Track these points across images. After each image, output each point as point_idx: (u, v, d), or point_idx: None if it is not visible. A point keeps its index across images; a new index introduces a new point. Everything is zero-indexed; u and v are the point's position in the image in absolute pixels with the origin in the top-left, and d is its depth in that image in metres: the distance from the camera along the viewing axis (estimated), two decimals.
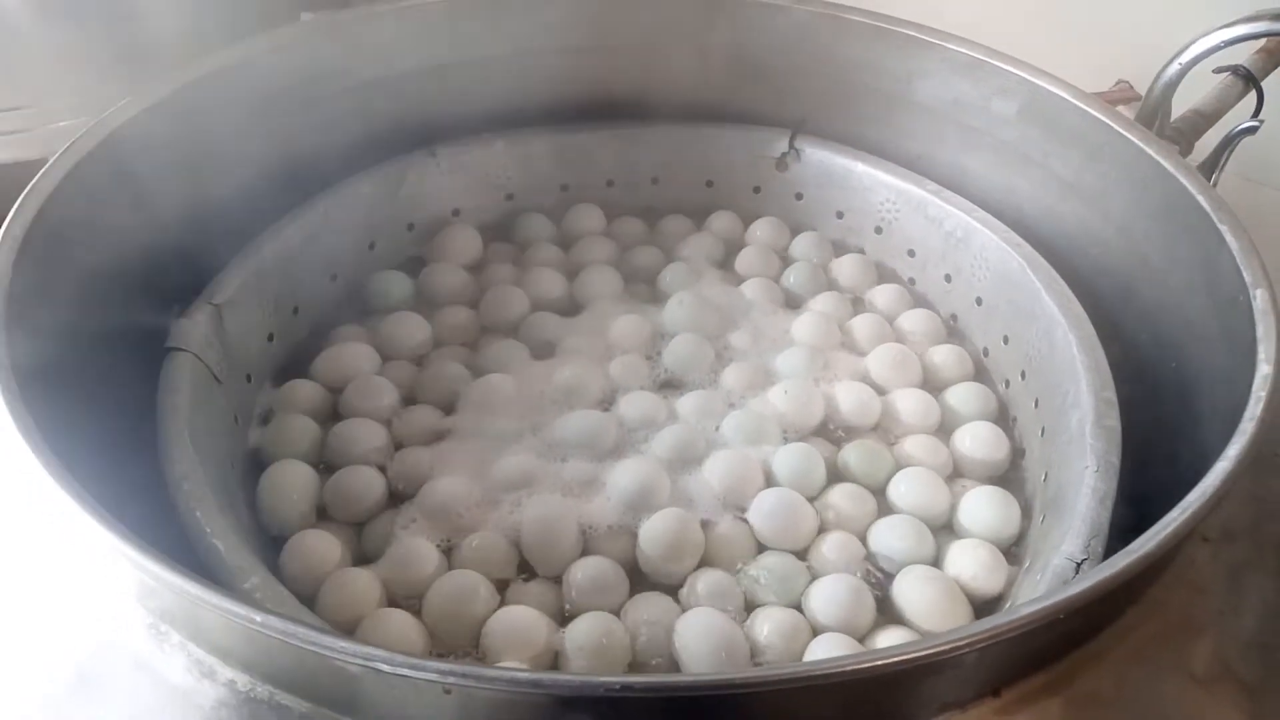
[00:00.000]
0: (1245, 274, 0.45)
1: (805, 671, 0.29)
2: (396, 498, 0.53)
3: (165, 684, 0.34)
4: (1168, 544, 0.33)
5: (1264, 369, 0.40)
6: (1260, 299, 0.43)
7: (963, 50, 0.62)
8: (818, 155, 0.68)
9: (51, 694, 0.34)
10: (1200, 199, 0.49)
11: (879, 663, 0.29)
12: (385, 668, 0.29)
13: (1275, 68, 0.72)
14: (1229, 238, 0.47)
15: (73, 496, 0.33)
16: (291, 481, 0.52)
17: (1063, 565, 0.41)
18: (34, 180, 0.48)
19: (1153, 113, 0.63)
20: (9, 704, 0.34)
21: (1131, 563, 0.32)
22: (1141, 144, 0.53)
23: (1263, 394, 0.39)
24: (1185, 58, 0.60)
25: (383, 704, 0.31)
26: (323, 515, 0.52)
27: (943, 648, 0.30)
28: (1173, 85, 0.62)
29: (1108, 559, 0.34)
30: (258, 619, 0.30)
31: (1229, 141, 0.61)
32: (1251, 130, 0.62)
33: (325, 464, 0.54)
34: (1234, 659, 0.36)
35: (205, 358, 0.52)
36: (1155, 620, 0.37)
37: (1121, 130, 0.55)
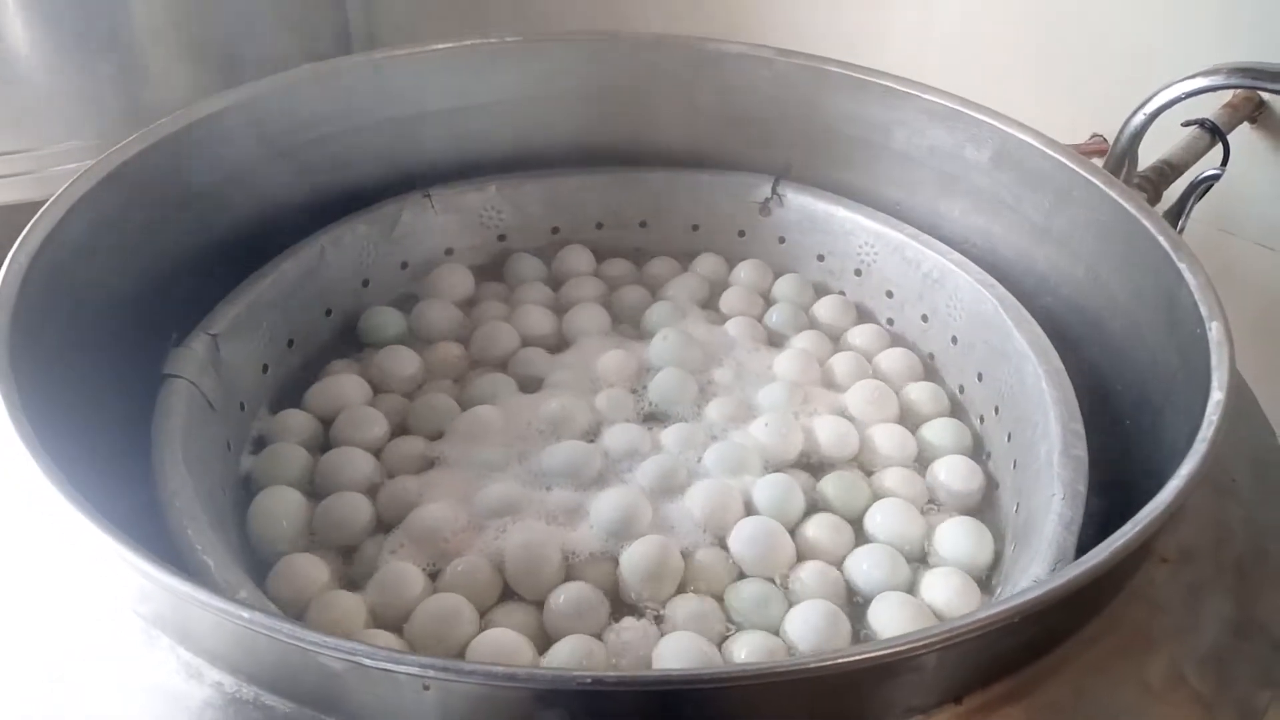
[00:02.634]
0: (1202, 308, 0.47)
1: (769, 668, 0.30)
2: (384, 524, 0.54)
3: (155, 686, 0.35)
4: (1119, 556, 0.34)
5: (1216, 395, 0.42)
6: (1215, 331, 0.45)
7: (938, 100, 0.64)
8: (800, 200, 0.70)
9: (45, 695, 0.35)
10: (1160, 239, 0.51)
11: (840, 660, 0.31)
12: (367, 662, 0.30)
13: (1240, 122, 0.75)
14: (1187, 275, 0.49)
15: (71, 501, 0.35)
16: (281, 507, 0.53)
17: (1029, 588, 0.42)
18: (41, 210, 0.50)
19: (1120, 161, 0.65)
20: (5, 704, 0.35)
21: (1084, 572, 0.34)
22: (1106, 188, 0.56)
23: (1215, 418, 0.41)
24: (1149, 108, 0.63)
25: (364, 703, 0.32)
26: (312, 541, 0.53)
27: (901, 649, 0.31)
28: (1138, 135, 0.65)
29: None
30: (245, 615, 0.31)
31: (1194, 189, 0.64)
32: (1215, 178, 0.64)
33: (315, 491, 0.55)
34: (1190, 672, 0.37)
35: (201, 385, 0.53)
36: (1114, 635, 0.38)
37: (1087, 175, 0.57)
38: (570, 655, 0.46)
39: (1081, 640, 0.37)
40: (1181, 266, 0.49)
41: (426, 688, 0.30)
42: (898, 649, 0.31)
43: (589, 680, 0.29)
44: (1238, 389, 0.45)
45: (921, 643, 0.31)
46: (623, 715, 0.31)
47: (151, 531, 0.44)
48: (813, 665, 0.30)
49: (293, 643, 0.30)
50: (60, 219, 0.50)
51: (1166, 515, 0.36)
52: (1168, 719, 0.36)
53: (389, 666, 0.30)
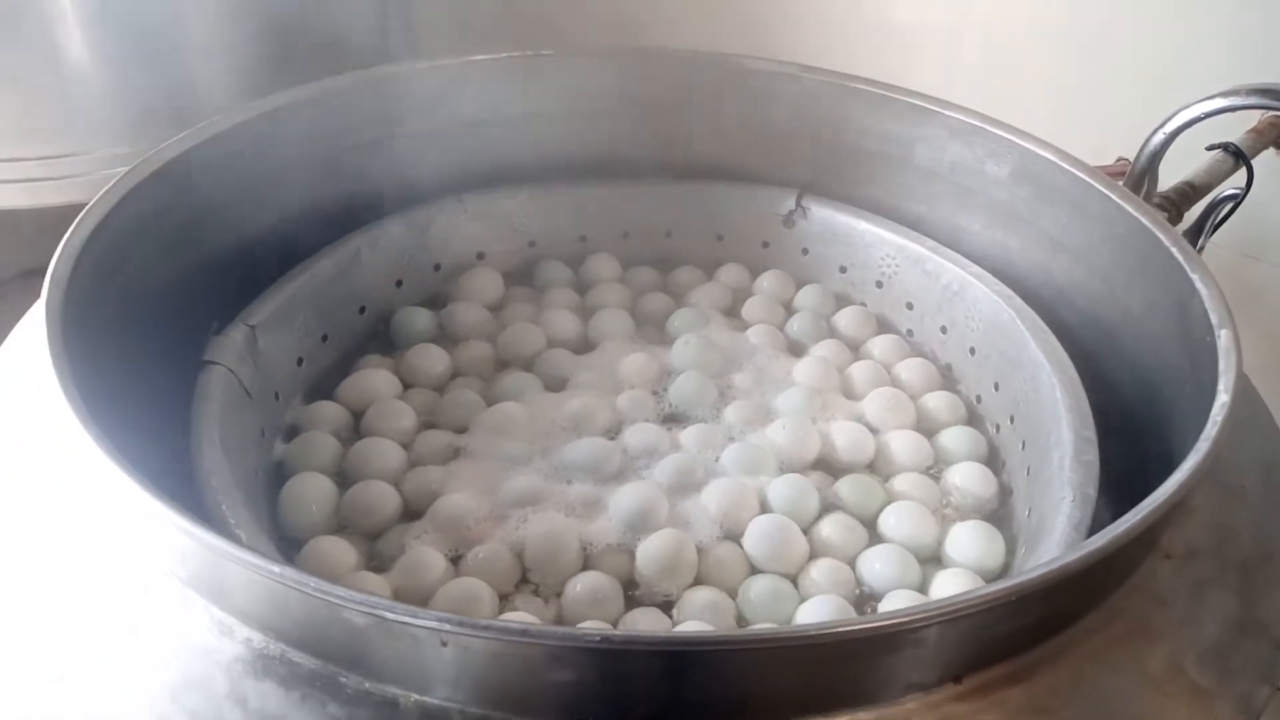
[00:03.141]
0: (1212, 316, 0.48)
1: (774, 634, 0.32)
2: (410, 513, 0.56)
3: (188, 642, 0.36)
4: (1120, 542, 0.35)
5: (1222, 398, 0.43)
6: (1224, 338, 0.46)
7: (960, 117, 0.66)
8: (823, 213, 0.72)
9: (85, 651, 0.37)
10: (1174, 250, 0.52)
11: (843, 630, 0.32)
12: (389, 615, 0.31)
13: (1265, 147, 0.76)
14: (1200, 285, 0.50)
15: (120, 467, 0.36)
16: (311, 492, 0.55)
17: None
18: (94, 199, 0.52)
19: (1139, 180, 0.66)
20: (49, 660, 0.37)
21: (1084, 555, 0.35)
22: (1121, 202, 0.57)
23: (1219, 418, 0.42)
24: (1169, 128, 0.64)
25: (385, 659, 0.34)
26: (339, 526, 0.55)
27: (902, 621, 0.32)
28: (1158, 154, 0.66)
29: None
30: (276, 570, 0.33)
31: (1213, 208, 0.65)
32: (1236, 198, 0.65)
33: (345, 479, 0.57)
34: (1189, 664, 0.38)
35: (238, 373, 0.56)
36: (1116, 625, 0.39)
37: (1104, 190, 0.58)
38: None
39: (1083, 629, 0.38)
40: (1194, 277, 0.50)
41: (444, 643, 0.32)
42: (899, 620, 0.32)
43: (598, 638, 0.30)
44: (1247, 396, 0.46)
45: (921, 616, 0.32)
46: (630, 675, 0.32)
47: (187, 507, 0.46)
48: (814, 633, 0.32)
49: (320, 596, 0.32)
50: (111, 208, 0.52)
51: (1168, 506, 0.37)
52: (1167, 709, 0.37)
53: (409, 620, 0.31)
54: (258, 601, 0.35)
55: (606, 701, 0.33)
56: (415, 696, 0.34)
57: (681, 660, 0.31)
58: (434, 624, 0.31)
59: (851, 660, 0.33)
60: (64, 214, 0.92)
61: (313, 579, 0.32)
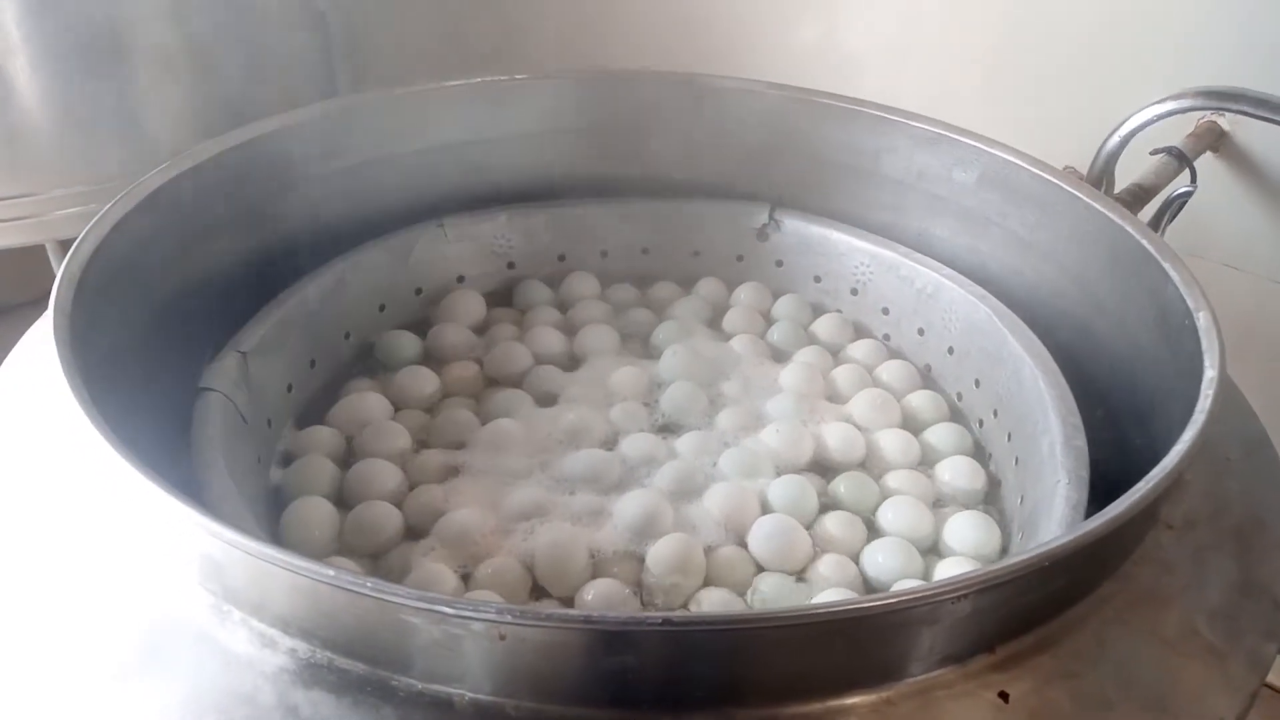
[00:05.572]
0: (1188, 300, 0.50)
1: (833, 607, 0.33)
2: (412, 532, 0.56)
3: (229, 655, 0.36)
4: (1136, 508, 0.37)
5: (1209, 373, 0.45)
6: (1203, 319, 0.49)
7: (925, 127, 0.68)
8: (796, 225, 0.74)
9: (123, 673, 0.37)
10: (1143, 242, 0.55)
11: (894, 601, 0.33)
12: (448, 611, 0.32)
13: (1204, 150, 0.80)
14: (1171, 272, 0.53)
15: (152, 480, 0.36)
16: (313, 515, 0.55)
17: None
18: (86, 228, 0.51)
19: (1096, 182, 0.70)
20: (83, 679, 0.37)
21: (1109, 520, 0.36)
22: (1089, 200, 0.59)
23: (1210, 392, 0.44)
24: (1123, 131, 0.68)
25: (435, 659, 0.34)
26: (343, 548, 0.55)
27: (947, 589, 0.33)
28: (1113, 157, 0.69)
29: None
30: (331, 573, 0.33)
31: (1168, 205, 0.68)
32: (1188, 194, 0.68)
33: (343, 503, 0.57)
34: (1201, 625, 0.40)
35: (234, 399, 0.55)
36: (1129, 592, 0.41)
37: (1070, 189, 0.61)
38: None
39: (1099, 598, 0.40)
40: (1166, 265, 0.53)
41: (503, 637, 0.32)
42: (946, 589, 0.33)
43: (659, 621, 0.31)
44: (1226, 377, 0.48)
45: (964, 584, 0.34)
46: (687, 658, 0.33)
47: None
48: (865, 605, 0.33)
49: (376, 596, 0.32)
50: (104, 237, 0.51)
51: (1175, 474, 0.39)
52: (1184, 668, 0.39)
53: (469, 614, 0.32)
54: (303, 609, 0.35)
55: (661, 686, 0.33)
56: (469, 695, 0.34)
57: (741, 638, 0.32)
58: (493, 616, 0.31)
59: (899, 631, 0.34)
60: (19, 256, 0.91)
61: (370, 580, 0.32)
